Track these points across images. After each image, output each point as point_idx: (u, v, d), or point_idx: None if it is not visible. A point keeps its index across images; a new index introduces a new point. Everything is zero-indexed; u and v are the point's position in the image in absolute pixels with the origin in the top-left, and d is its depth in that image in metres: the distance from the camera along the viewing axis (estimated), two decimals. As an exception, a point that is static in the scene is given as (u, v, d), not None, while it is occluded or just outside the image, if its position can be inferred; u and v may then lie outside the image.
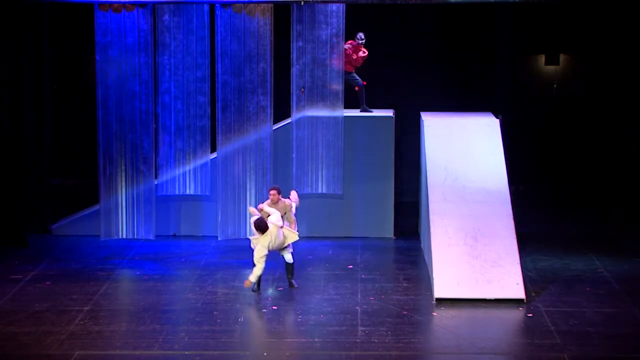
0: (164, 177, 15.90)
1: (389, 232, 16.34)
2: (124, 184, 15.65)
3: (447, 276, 13.00)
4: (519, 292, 12.84)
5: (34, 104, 16.13)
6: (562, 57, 18.88)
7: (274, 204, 13.56)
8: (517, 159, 17.51)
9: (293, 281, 13.50)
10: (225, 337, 11.65)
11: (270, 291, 13.33)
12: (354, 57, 16.08)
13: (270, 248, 13.04)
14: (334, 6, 15.54)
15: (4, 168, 15.66)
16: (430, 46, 18.50)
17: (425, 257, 14.73)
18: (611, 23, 17.93)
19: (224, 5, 15.43)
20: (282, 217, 13.33)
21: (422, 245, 15.54)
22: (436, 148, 14.82)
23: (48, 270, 14.29)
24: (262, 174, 15.75)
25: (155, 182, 15.79)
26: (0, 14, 15.39)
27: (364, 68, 16.50)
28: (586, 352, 11.10)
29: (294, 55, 15.68)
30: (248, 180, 15.71)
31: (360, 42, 16.12)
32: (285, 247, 13.34)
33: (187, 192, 15.97)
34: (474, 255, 13.24)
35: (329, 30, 15.65)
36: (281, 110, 16.04)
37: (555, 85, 19.01)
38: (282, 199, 13.67)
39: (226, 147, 15.77)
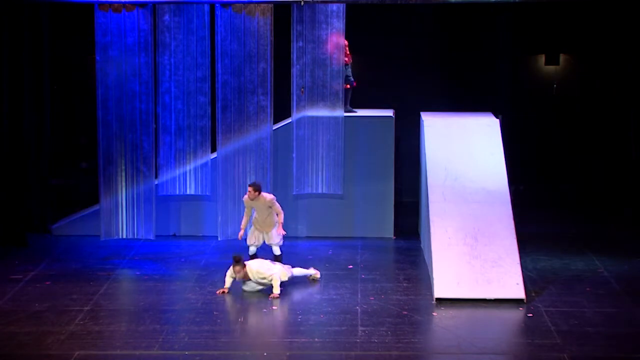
0: (164, 177, 15.90)
1: (389, 232, 16.34)
2: (124, 184, 15.65)
3: (447, 276, 13.00)
4: (519, 292, 12.84)
5: (34, 104, 16.13)
6: (562, 57, 18.88)
7: (251, 200, 13.66)
8: (517, 159, 17.51)
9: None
10: (225, 337, 11.65)
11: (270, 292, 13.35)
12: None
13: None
14: (334, 6, 15.54)
15: (4, 168, 15.66)
16: (430, 46, 18.50)
17: (425, 257, 14.73)
18: (611, 23, 17.93)
19: (224, 5, 15.44)
20: (265, 211, 13.70)
21: (422, 245, 15.54)
22: (436, 148, 14.81)
23: (48, 270, 14.29)
24: (262, 174, 15.75)
25: (156, 182, 15.79)
26: (0, 14, 15.39)
27: (364, 68, 16.50)
28: (586, 352, 11.10)
29: (294, 56, 15.68)
30: (248, 180, 15.70)
31: None
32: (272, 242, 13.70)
33: (187, 192, 15.98)
34: (474, 255, 13.24)
35: (329, 31, 15.65)
36: (281, 110, 16.04)
37: (555, 85, 19.00)
38: (263, 194, 13.78)
39: (226, 147, 15.77)
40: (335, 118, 15.90)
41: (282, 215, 13.97)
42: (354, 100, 16.38)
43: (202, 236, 16.27)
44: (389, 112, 16.45)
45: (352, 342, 11.37)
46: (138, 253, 15.29)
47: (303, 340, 11.49)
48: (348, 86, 16.09)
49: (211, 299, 13.03)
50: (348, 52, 15.93)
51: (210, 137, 15.85)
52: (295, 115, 15.93)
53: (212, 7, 15.52)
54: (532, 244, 15.48)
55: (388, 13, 18.20)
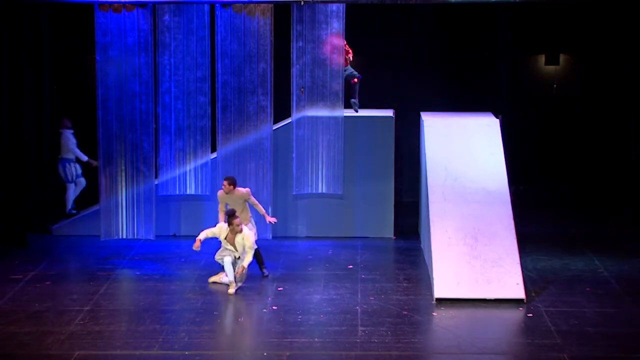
0: (164, 177, 15.91)
1: (389, 232, 16.34)
2: (124, 184, 15.65)
3: (447, 276, 13.01)
4: (519, 292, 12.84)
5: (34, 104, 16.13)
6: (562, 57, 18.88)
7: (226, 194, 13.81)
8: (517, 159, 17.52)
9: (265, 270, 13.83)
10: (225, 337, 11.65)
11: (270, 291, 13.35)
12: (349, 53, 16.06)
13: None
14: (334, 6, 15.54)
15: (4, 168, 15.66)
16: (430, 46, 18.51)
17: (425, 257, 14.73)
18: (611, 23, 17.93)
19: (224, 5, 15.44)
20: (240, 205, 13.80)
21: (422, 245, 15.54)
22: (436, 148, 14.82)
23: (48, 270, 14.29)
24: (262, 174, 15.75)
25: (156, 182, 15.79)
26: (0, 14, 15.39)
27: (364, 68, 16.50)
28: (586, 352, 11.10)
29: (294, 56, 15.68)
30: (248, 180, 15.71)
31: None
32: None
33: (187, 192, 15.97)
34: (474, 255, 13.24)
35: (329, 31, 15.65)
36: (281, 110, 16.04)
37: (555, 85, 19.00)
38: (238, 188, 13.89)
39: (226, 147, 15.78)
40: (335, 118, 15.90)
41: (260, 206, 14.12)
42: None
43: (202, 236, 16.26)
44: (389, 112, 16.45)
45: (352, 342, 11.37)
46: (138, 253, 15.29)
47: (303, 340, 11.49)
48: (356, 80, 16.09)
49: (211, 299, 13.03)
50: (349, 50, 15.93)
51: (210, 137, 15.86)
52: (295, 115, 15.93)
53: (212, 7, 15.53)
54: (532, 244, 15.48)
55: (388, 13, 18.20)
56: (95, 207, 16.07)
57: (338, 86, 15.82)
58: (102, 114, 15.51)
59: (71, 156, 16.76)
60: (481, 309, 12.60)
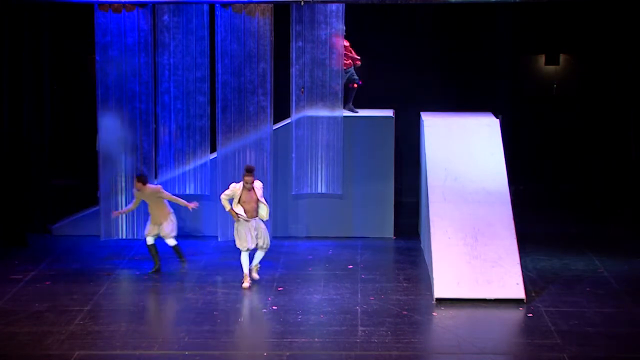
0: (164, 177, 15.90)
1: (389, 232, 16.34)
2: (123, 184, 15.64)
3: (447, 276, 13.00)
4: (519, 292, 12.84)
5: (33, 104, 16.13)
6: (562, 57, 18.87)
7: (138, 191, 14.12)
8: (517, 159, 17.51)
9: (184, 262, 14.19)
10: (225, 337, 11.65)
11: (270, 291, 13.35)
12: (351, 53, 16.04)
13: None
14: (334, 6, 15.54)
15: (4, 168, 15.66)
16: (430, 46, 18.49)
17: (425, 257, 14.72)
18: (611, 23, 17.92)
19: (224, 5, 15.44)
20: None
21: (422, 245, 15.54)
22: (436, 148, 14.81)
23: (48, 270, 14.29)
24: (262, 174, 15.74)
25: (155, 182, 15.78)
26: (0, 14, 15.39)
27: (364, 68, 16.49)
28: (586, 352, 11.10)
29: (293, 55, 15.69)
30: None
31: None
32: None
33: (187, 192, 15.97)
34: (474, 255, 13.24)
35: (329, 31, 15.65)
36: (281, 111, 16.04)
37: (555, 85, 19.00)
38: (148, 185, 14.12)
39: (226, 147, 15.78)
40: (335, 118, 15.90)
41: (177, 198, 14.29)
42: (355, 99, 16.38)
43: (202, 236, 16.26)
44: (389, 112, 16.45)
45: (352, 342, 11.37)
46: (138, 253, 15.28)
47: (303, 340, 11.49)
48: (355, 85, 16.09)
49: (211, 299, 13.03)
50: (354, 54, 15.93)
51: (209, 137, 15.86)
52: (295, 115, 15.93)
53: (212, 7, 15.53)
54: (532, 244, 15.47)
55: (388, 13, 18.19)
56: (95, 207, 16.07)
57: (337, 86, 15.82)
58: (102, 114, 15.50)
59: None
60: (481, 309, 12.60)
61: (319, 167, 16.01)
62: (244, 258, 13.47)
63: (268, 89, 15.65)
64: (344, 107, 16.03)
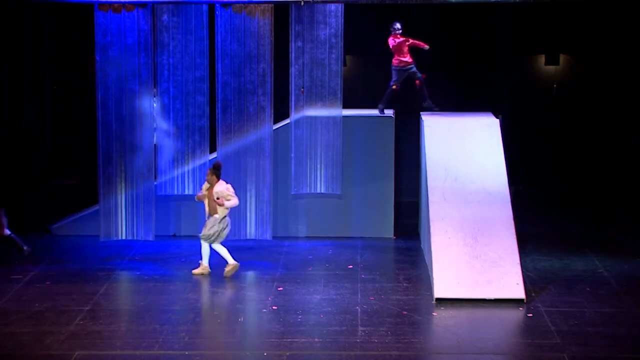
0: (163, 177, 15.90)
1: (389, 232, 16.34)
2: (123, 184, 15.64)
3: (447, 276, 13.00)
4: (519, 292, 12.84)
5: (33, 104, 16.13)
6: (562, 57, 18.88)
7: None
8: (517, 159, 17.51)
9: (25, 248, 14.39)
10: (225, 337, 11.65)
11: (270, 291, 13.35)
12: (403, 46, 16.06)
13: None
14: (333, 6, 15.54)
15: (4, 168, 15.67)
16: (430, 46, 18.49)
17: (425, 257, 14.73)
18: (611, 23, 17.92)
19: (224, 5, 15.44)
20: None
21: (422, 245, 15.54)
22: (436, 148, 14.82)
23: (48, 270, 14.29)
24: (262, 174, 15.74)
25: (155, 183, 15.78)
26: (0, 14, 15.39)
27: (364, 68, 16.48)
28: (586, 352, 11.10)
29: (292, 55, 15.68)
30: (248, 180, 15.71)
31: (396, 32, 16.04)
32: None
33: (186, 192, 15.97)
34: (474, 255, 13.24)
35: (328, 30, 15.64)
36: (281, 111, 16.04)
37: (555, 85, 19.00)
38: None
39: (226, 147, 15.77)
40: (334, 118, 15.90)
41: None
42: (354, 99, 16.38)
43: (202, 236, 16.25)
44: (389, 112, 16.45)
45: (352, 342, 11.37)
46: (138, 253, 15.28)
47: (303, 340, 11.48)
48: (418, 82, 16.08)
49: (211, 299, 13.03)
50: (419, 43, 15.96)
51: (208, 137, 15.86)
52: (294, 115, 15.92)
53: (211, 7, 15.53)
54: (532, 244, 15.48)
55: (388, 13, 18.18)
56: (95, 207, 16.07)
57: (337, 86, 15.81)
58: (102, 114, 15.51)
59: None
60: (481, 309, 12.60)
61: (318, 167, 16.00)
62: (205, 248, 14.07)
63: (268, 89, 15.64)
64: (423, 105, 15.99)
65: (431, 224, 13.72)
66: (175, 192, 15.99)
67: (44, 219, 16.47)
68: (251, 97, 15.67)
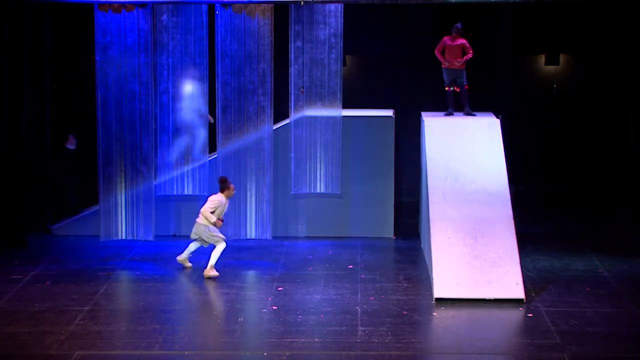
0: (163, 177, 15.90)
1: (389, 232, 16.34)
2: (123, 184, 15.65)
3: (447, 276, 13.01)
4: (519, 292, 12.84)
5: (33, 104, 16.12)
6: (562, 57, 18.87)
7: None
8: (518, 159, 17.51)
9: None
10: (225, 337, 11.65)
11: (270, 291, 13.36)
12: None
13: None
14: (332, 6, 15.54)
15: (4, 168, 15.66)
16: (430, 46, 18.48)
17: (425, 257, 14.73)
18: (611, 23, 17.92)
19: (224, 5, 15.44)
20: None
21: (422, 245, 15.54)
22: (436, 148, 14.82)
23: (48, 270, 14.30)
24: (262, 174, 15.75)
25: (155, 183, 15.78)
26: (0, 14, 15.39)
27: (364, 68, 16.48)
28: (586, 352, 11.10)
29: (292, 55, 15.68)
30: (248, 180, 15.71)
31: (458, 32, 15.91)
32: None
33: (185, 192, 15.97)
34: (474, 255, 13.24)
35: (327, 30, 15.64)
36: (281, 111, 16.04)
37: (555, 85, 19.00)
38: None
39: (226, 147, 15.77)
40: (334, 118, 15.90)
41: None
42: (353, 99, 16.38)
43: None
44: (389, 112, 16.45)
45: (352, 342, 11.37)
46: (138, 253, 15.29)
47: (303, 340, 11.49)
48: (459, 89, 15.97)
49: (211, 299, 13.03)
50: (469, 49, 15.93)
51: (208, 137, 15.86)
52: (294, 115, 15.92)
53: (211, 7, 15.53)
54: (532, 244, 15.48)
55: (388, 13, 18.19)
56: (95, 207, 16.07)
57: (336, 86, 15.81)
58: (102, 114, 15.52)
59: None
60: (481, 309, 12.60)
61: (318, 166, 16.01)
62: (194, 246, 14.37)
63: (268, 89, 15.64)
64: (464, 112, 15.84)
65: (431, 224, 13.72)
66: (175, 192, 16.00)
67: (44, 219, 16.46)
68: (251, 97, 15.68)
